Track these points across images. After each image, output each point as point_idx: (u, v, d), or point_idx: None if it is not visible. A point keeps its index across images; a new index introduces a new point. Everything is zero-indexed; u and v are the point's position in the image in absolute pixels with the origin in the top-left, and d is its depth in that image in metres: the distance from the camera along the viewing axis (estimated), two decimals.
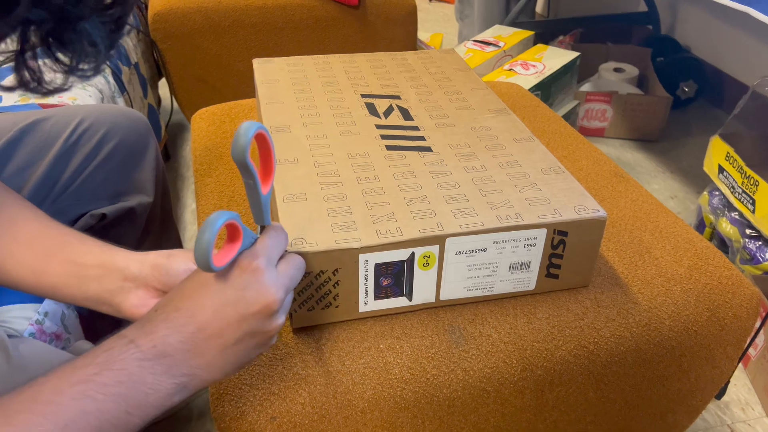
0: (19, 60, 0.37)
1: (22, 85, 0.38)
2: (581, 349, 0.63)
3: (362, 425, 0.58)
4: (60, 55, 0.37)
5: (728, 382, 1.09)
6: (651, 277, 0.69)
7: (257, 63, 0.91)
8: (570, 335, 0.63)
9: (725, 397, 1.11)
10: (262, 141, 0.49)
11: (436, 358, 0.60)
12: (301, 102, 0.80)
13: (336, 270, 0.57)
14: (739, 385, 1.14)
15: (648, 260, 0.71)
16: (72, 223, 0.80)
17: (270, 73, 0.88)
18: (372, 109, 0.79)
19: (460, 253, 0.60)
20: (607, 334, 0.64)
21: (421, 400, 0.59)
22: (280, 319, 0.48)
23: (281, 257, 0.50)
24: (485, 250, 0.60)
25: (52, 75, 0.39)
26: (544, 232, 0.61)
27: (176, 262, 0.54)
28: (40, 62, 0.38)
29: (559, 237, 0.61)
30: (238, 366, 0.48)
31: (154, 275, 0.54)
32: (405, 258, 0.59)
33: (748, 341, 1.12)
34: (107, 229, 0.84)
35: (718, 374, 0.73)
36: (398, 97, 0.83)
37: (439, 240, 0.58)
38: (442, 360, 0.60)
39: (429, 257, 0.59)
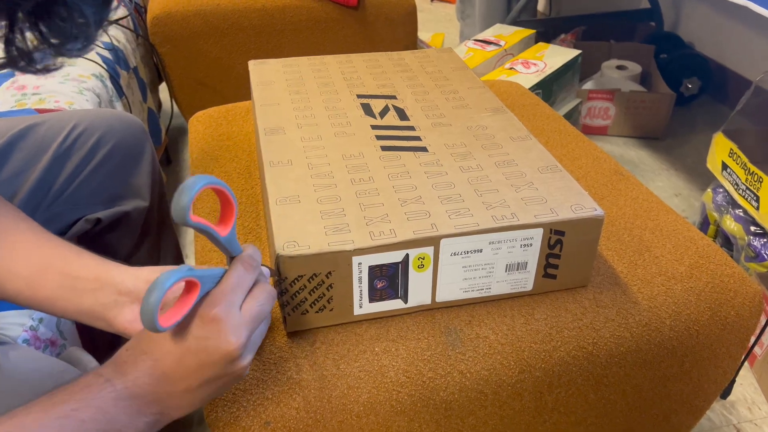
0: (9, 37, 0.37)
1: (11, 63, 0.38)
2: (580, 350, 0.62)
3: (358, 430, 0.57)
4: (48, 31, 0.37)
5: (734, 381, 1.08)
6: (651, 276, 0.68)
7: (253, 65, 0.91)
8: (569, 336, 0.62)
9: (731, 397, 1.10)
10: (217, 191, 0.48)
11: (432, 361, 0.59)
12: (296, 103, 0.80)
13: (329, 273, 0.57)
14: (746, 384, 1.13)
15: (648, 259, 0.70)
16: (67, 228, 0.80)
17: (265, 74, 0.88)
18: (368, 110, 0.79)
19: (455, 254, 0.59)
20: (607, 335, 0.63)
21: (417, 403, 0.58)
22: (245, 360, 0.48)
23: (252, 287, 0.49)
24: (481, 250, 0.59)
25: (41, 54, 0.38)
26: (540, 231, 0.60)
27: None
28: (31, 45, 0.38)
29: (556, 237, 0.61)
30: (207, 400, 0.49)
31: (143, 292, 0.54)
32: (399, 260, 0.58)
33: (752, 340, 1.10)
34: (103, 234, 0.84)
35: (722, 374, 0.72)
36: (394, 97, 0.82)
37: (434, 241, 0.57)
38: (438, 362, 0.59)
39: (424, 259, 0.58)
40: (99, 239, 0.85)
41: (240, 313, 0.47)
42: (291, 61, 0.93)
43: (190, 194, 0.43)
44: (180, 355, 0.46)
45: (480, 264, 0.60)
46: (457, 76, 0.89)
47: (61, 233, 0.80)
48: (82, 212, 0.80)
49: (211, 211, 0.77)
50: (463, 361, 0.59)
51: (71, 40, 0.38)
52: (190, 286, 0.46)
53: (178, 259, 0.99)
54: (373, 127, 0.75)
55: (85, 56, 1.24)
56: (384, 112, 0.78)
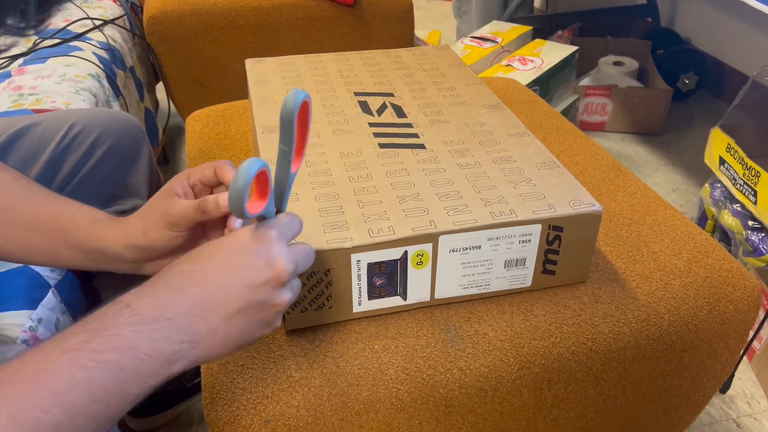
0: None
1: None
2: (579, 346, 0.62)
3: (358, 427, 0.57)
4: None
5: (732, 376, 1.08)
6: (649, 272, 0.68)
7: (250, 63, 0.91)
8: (568, 332, 0.62)
9: (730, 391, 1.10)
10: (305, 113, 0.46)
11: (431, 358, 0.59)
12: None
13: (328, 270, 0.57)
14: (744, 378, 1.13)
15: (646, 254, 0.70)
16: None
17: (262, 73, 0.88)
18: (365, 107, 0.79)
19: (454, 250, 0.59)
20: (606, 330, 0.63)
21: (417, 400, 0.58)
22: (287, 295, 0.46)
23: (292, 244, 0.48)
24: (479, 247, 0.59)
25: None
26: (538, 227, 0.60)
27: (154, 240, 0.53)
28: None
29: (554, 232, 0.61)
30: (240, 342, 0.45)
31: (144, 256, 0.54)
32: (398, 257, 0.58)
33: (751, 334, 1.11)
34: None
35: (721, 368, 0.72)
36: (391, 95, 0.82)
37: (432, 238, 0.57)
38: (438, 359, 0.59)
39: (422, 255, 0.59)
40: None
41: (288, 248, 0.46)
42: (288, 59, 0.93)
43: (299, 98, 0.43)
44: (227, 271, 0.43)
45: (479, 260, 0.60)
46: (455, 73, 0.89)
47: None
48: None
49: None
50: (463, 357, 0.59)
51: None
52: (263, 189, 0.45)
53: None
54: (371, 124, 0.75)
55: (82, 56, 1.24)
56: (381, 109, 0.78)
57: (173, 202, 0.52)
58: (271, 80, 0.85)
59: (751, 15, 1.91)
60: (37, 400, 0.36)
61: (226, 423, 0.54)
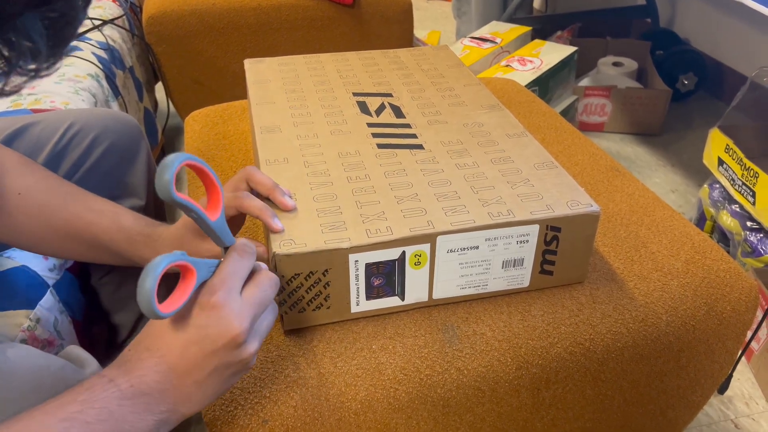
0: None
1: None
2: (577, 346, 0.62)
3: (356, 427, 0.57)
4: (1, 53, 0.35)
5: (731, 377, 1.08)
6: (647, 272, 0.68)
7: (248, 63, 0.91)
8: (565, 332, 0.62)
9: (728, 392, 1.10)
10: (197, 170, 0.47)
11: (429, 358, 0.59)
12: (291, 102, 0.80)
13: (326, 271, 0.57)
14: (743, 379, 1.13)
15: (644, 255, 0.70)
16: None
17: (261, 73, 0.88)
18: (363, 108, 0.79)
19: (451, 251, 0.59)
20: (604, 331, 0.63)
21: (415, 400, 0.58)
22: (251, 347, 0.47)
23: (250, 277, 0.49)
24: (477, 247, 0.59)
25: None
26: (536, 228, 0.60)
27: (161, 236, 0.59)
28: None
29: (552, 233, 0.61)
30: (219, 393, 0.48)
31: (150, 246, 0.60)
32: (396, 257, 0.58)
33: (749, 335, 1.11)
34: None
35: (718, 369, 0.72)
36: (390, 95, 0.82)
37: (430, 238, 0.58)
38: (435, 359, 0.59)
39: (420, 256, 0.59)
40: None
41: (241, 299, 0.46)
42: (287, 59, 0.93)
43: (172, 169, 0.42)
44: (183, 346, 0.45)
45: (476, 261, 0.61)
46: (453, 74, 0.89)
47: None
48: None
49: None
50: (461, 358, 0.59)
51: (23, 62, 0.36)
52: (186, 273, 0.46)
53: None
54: (369, 124, 0.75)
55: (81, 56, 1.24)
56: (380, 109, 0.78)
57: None
58: (270, 80, 0.85)
59: (750, 16, 1.91)
60: None
61: (224, 423, 0.54)
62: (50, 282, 0.75)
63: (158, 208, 0.91)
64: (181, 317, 0.46)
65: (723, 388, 1.09)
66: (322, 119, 0.76)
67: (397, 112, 0.78)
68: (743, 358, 1.16)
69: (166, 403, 0.45)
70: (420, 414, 0.59)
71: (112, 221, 0.61)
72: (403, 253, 0.58)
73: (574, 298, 0.65)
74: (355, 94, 0.82)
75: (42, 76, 0.38)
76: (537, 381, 0.62)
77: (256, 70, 0.89)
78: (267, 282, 0.49)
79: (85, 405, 0.42)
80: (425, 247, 0.58)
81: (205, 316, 0.45)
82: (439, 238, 0.58)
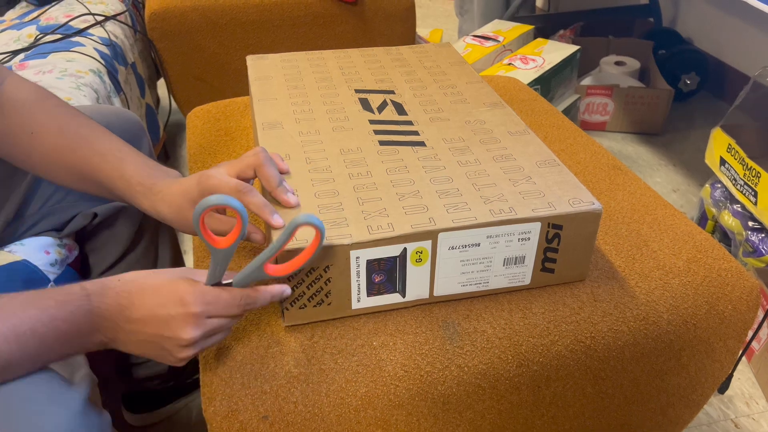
0: None
1: None
2: (578, 344, 0.62)
3: (356, 423, 0.57)
4: None
5: (731, 376, 1.08)
6: (649, 270, 0.68)
7: (251, 60, 0.91)
8: (566, 330, 0.62)
9: (729, 391, 1.10)
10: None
11: (430, 355, 0.59)
12: (294, 98, 0.80)
13: (327, 267, 0.57)
14: (743, 378, 1.13)
15: (646, 253, 0.70)
16: (65, 223, 0.80)
17: (263, 69, 0.88)
18: (366, 105, 0.79)
19: (453, 248, 0.59)
20: (605, 329, 0.63)
21: (415, 397, 0.58)
22: (187, 353, 0.54)
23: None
24: (479, 244, 0.59)
25: None
26: (538, 225, 0.60)
27: (160, 192, 0.61)
28: None
29: (553, 230, 0.61)
30: (147, 354, 0.55)
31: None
32: (397, 254, 0.58)
33: (750, 334, 1.11)
34: (100, 229, 0.84)
35: (719, 368, 0.72)
36: (392, 92, 0.82)
37: (432, 235, 0.57)
38: (436, 356, 0.59)
39: (422, 253, 0.59)
40: (96, 233, 0.85)
41: (206, 321, 0.53)
42: (289, 56, 0.93)
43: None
44: (149, 313, 0.52)
45: (478, 258, 0.60)
46: (456, 71, 0.89)
47: (59, 228, 0.80)
48: (80, 207, 0.80)
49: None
50: (461, 355, 0.59)
51: None
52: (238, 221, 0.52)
53: (175, 254, 0.98)
54: (371, 121, 0.75)
55: (83, 52, 1.24)
56: (382, 107, 0.78)
57: (212, 174, 0.58)
58: (273, 77, 0.85)
59: (753, 15, 1.91)
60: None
61: (224, 418, 0.54)
62: (51, 277, 0.75)
63: None
64: (168, 294, 0.52)
65: (723, 388, 1.09)
66: (324, 116, 0.76)
67: (399, 109, 0.78)
68: (744, 358, 1.16)
69: (112, 333, 0.53)
70: (420, 411, 0.59)
71: (114, 168, 0.63)
72: (405, 249, 0.58)
73: (575, 296, 0.65)
74: (357, 91, 0.82)
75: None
76: (537, 378, 0.62)
77: (259, 66, 0.89)
78: (228, 324, 0.55)
79: (60, 307, 0.50)
80: (426, 244, 0.58)
81: (180, 311, 0.52)
82: (440, 235, 0.58)
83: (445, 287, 0.62)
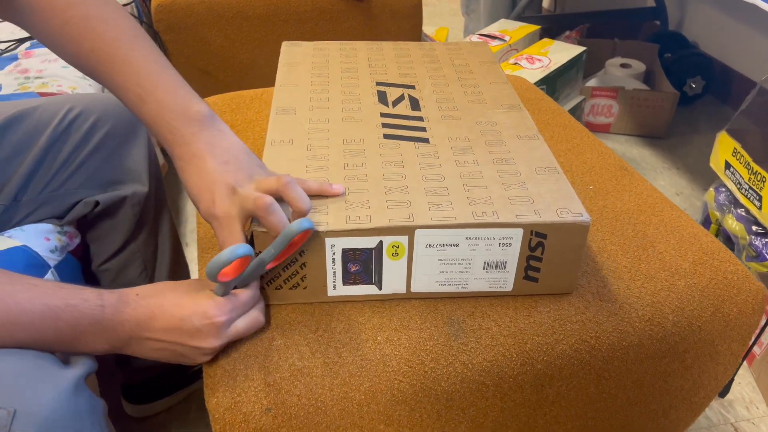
0: None
1: None
2: (582, 344, 0.61)
3: (359, 418, 0.57)
4: None
5: (732, 380, 1.08)
6: (655, 272, 0.68)
7: (286, 45, 0.92)
8: (571, 329, 0.62)
9: (729, 396, 1.10)
10: (302, 238, 0.56)
11: (434, 351, 0.59)
12: (314, 86, 0.80)
13: (302, 251, 0.57)
14: (744, 383, 1.13)
15: (652, 254, 0.70)
16: (66, 211, 0.79)
17: (294, 56, 0.89)
18: (382, 98, 0.79)
19: (430, 246, 0.59)
20: (609, 329, 0.62)
21: (419, 393, 0.58)
22: (209, 357, 0.56)
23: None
24: (457, 245, 0.59)
25: None
26: (520, 232, 0.59)
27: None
28: None
29: (537, 239, 0.59)
30: (165, 359, 0.56)
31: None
32: (373, 246, 0.58)
33: (753, 338, 1.10)
34: (102, 218, 0.84)
35: (722, 371, 0.72)
36: (413, 87, 0.82)
37: (408, 230, 0.57)
38: (440, 353, 0.59)
39: (398, 247, 0.58)
40: (97, 223, 0.84)
41: (228, 330, 0.55)
42: (322, 44, 0.93)
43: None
44: (173, 325, 0.52)
45: (456, 258, 0.60)
46: (483, 71, 0.88)
47: (61, 216, 0.80)
48: (80, 195, 0.79)
49: None
50: (465, 351, 0.59)
51: None
52: (242, 265, 0.54)
53: (175, 245, 0.98)
54: (383, 114, 0.75)
55: None
56: (398, 101, 0.78)
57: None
58: (300, 63, 0.87)
59: (760, 20, 1.90)
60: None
61: (227, 410, 0.54)
62: (51, 263, 0.75)
63: (159, 195, 0.91)
64: (191, 305, 0.53)
65: (724, 392, 1.09)
66: (339, 105, 0.76)
67: (414, 104, 0.78)
68: (744, 362, 1.16)
69: (121, 343, 0.53)
70: (423, 407, 0.59)
71: (150, 84, 0.60)
72: (381, 242, 0.58)
73: (581, 296, 0.64)
74: (378, 84, 0.82)
75: None
76: (541, 377, 0.61)
77: (291, 52, 0.90)
78: (255, 325, 0.58)
79: (69, 309, 0.50)
80: (403, 239, 0.58)
81: (206, 322, 0.53)
82: (417, 232, 0.57)
83: (422, 284, 0.62)
